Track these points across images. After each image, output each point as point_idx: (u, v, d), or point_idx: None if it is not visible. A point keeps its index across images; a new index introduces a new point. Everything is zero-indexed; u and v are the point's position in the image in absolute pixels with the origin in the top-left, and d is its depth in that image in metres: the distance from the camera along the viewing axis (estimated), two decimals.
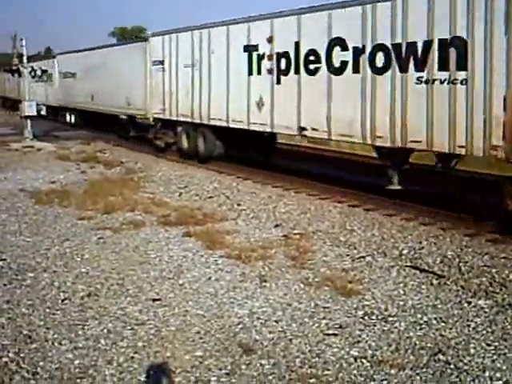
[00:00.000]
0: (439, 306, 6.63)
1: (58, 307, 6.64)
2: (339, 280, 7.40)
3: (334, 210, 11.78)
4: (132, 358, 5.37)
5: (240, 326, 6.07)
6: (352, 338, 5.79)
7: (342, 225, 10.55)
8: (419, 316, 6.34)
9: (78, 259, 8.48)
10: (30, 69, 27.99)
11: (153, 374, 5.08)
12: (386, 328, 6.02)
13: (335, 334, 5.86)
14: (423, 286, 7.31)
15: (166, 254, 8.70)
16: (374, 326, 6.08)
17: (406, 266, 8.11)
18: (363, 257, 8.55)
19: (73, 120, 32.44)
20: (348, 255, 8.65)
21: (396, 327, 6.04)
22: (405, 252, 8.81)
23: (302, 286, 7.30)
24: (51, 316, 6.38)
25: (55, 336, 5.85)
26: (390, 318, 6.27)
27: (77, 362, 5.31)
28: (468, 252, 8.75)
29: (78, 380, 4.98)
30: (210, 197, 13.25)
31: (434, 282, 7.49)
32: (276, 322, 6.19)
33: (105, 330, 5.99)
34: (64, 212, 11.46)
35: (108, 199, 12.28)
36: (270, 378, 5.01)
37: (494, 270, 7.86)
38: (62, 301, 6.85)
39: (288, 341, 5.72)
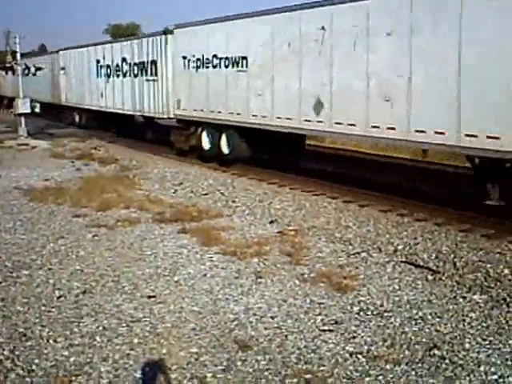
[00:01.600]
0: (434, 302, 6.64)
1: (53, 304, 6.62)
2: (335, 276, 7.40)
3: (329, 206, 11.78)
4: (128, 354, 5.36)
5: (235, 323, 6.07)
6: (347, 333, 5.79)
7: (337, 221, 10.55)
8: (414, 311, 6.35)
9: (73, 256, 8.46)
10: (24, 66, 27.66)
11: (148, 371, 5.07)
12: (381, 323, 6.03)
13: (331, 330, 5.86)
14: (418, 282, 7.32)
15: (161, 250, 8.69)
16: (370, 321, 6.09)
17: (402, 262, 8.12)
18: (358, 252, 8.55)
19: (225, 150, 16.60)
20: (343, 251, 8.65)
21: (391, 323, 6.05)
22: (400, 248, 8.82)
23: (297, 282, 7.30)
24: (46, 313, 6.36)
25: (50, 333, 5.84)
26: (386, 314, 6.28)
27: (72, 359, 5.30)
28: (463, 247, 8.77)
29: (74, 377, 4.97)
30: (205, 193, 13.24)
31: (429, 277, 7.51)
32: (271, 318, 6.19)
33: (100, 327, 5.98)
34: (59, 209, 11.43)
35: (103, 196, 12.26)
36: (266, 374, 5.01)
37: (488, 266, 7.88)
38: (57, 298, 6.84)
39: (284, 337, 5.72)
